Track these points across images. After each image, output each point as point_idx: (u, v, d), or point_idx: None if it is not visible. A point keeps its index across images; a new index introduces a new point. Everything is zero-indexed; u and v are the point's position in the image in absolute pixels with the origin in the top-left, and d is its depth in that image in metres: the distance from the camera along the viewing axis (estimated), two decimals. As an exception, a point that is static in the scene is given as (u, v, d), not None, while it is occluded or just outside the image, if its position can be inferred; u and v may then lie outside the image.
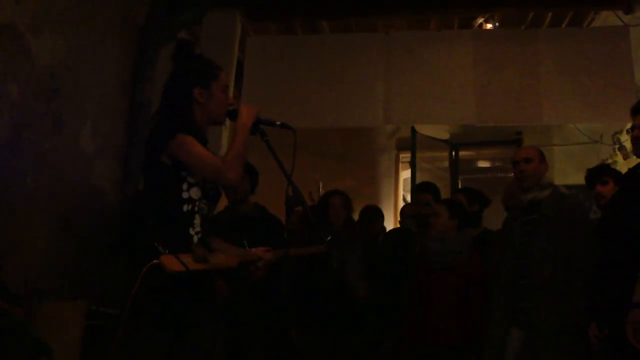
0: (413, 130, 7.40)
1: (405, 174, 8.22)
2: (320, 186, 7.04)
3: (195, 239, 2.52)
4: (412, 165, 7.52)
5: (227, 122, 2.79)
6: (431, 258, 4.10)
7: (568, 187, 4.84)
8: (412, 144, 7.50)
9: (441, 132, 7.95)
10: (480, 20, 6.14)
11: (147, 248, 2.33)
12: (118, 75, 5.01)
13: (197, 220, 2.54)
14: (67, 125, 4.28)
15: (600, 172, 4.19)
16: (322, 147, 7.60)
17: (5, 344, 2.87)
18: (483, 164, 8.73)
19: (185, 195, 2.52)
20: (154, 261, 2.27)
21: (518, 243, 3.73)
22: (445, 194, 7.70)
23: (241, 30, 5.89)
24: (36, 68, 3.91)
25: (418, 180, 7.10)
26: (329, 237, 2.94)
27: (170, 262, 2.27)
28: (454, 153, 7.91)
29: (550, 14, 5.99)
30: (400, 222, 5.25)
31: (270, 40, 6.35)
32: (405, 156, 8.24)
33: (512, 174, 4.15)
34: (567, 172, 7.11)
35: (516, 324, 3.62)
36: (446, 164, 8.04)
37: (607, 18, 6.10)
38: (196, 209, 2.54)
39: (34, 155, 3.92)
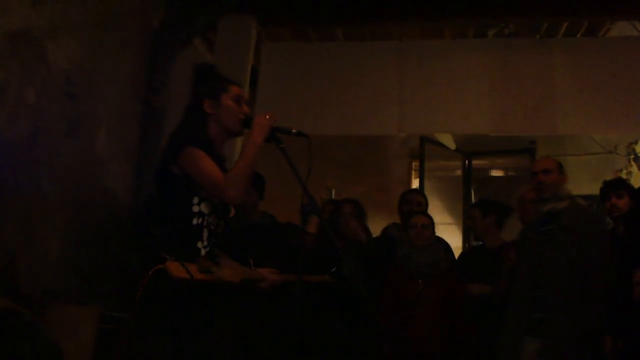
0: (422, 139, 7.40)
1: (418, 183, 8.19)
2: (333, 193, 7.05)
3: (203, 252, 2.53)
4: (421, 173, 7.51)
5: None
6: (414, 268, 4.17)
7: (582, 197, 4.81)
8: (420, 152, 7.50)
9: (452, 141, 7.93)
10: (495, 29, 6.11)
11: (154, 256, 2.35)
12: (132, 79, 5.03)
13: (205, 235, 2.55)
14: (82, 129, 4.30)
15: (617, 185, 4.18)
16: (335, 153, 7.59)
17: (16, 344, 2.88)
18: (496, 173, 8.69)
19: (195, 208, 2.53)
20: (159, 266, 2.29)
21: (534, 253, 3.72)
22: (458, 203, 7.73)
23: (256, 36, 5.89)
24: (52, 72, 3.94)
25: (428, 189, 7.09)
26: (334, 269, 2.99)
27: (176, 268, 2.30)
28: (467, 162, 7.88)
29: (565, 23, 5.96)
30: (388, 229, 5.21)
31: (284, 47, 6.35)
32: (419, 164, 8.22)
33: (526, 184, 4.16)
34: (580, 182, 7.05)
35: (530, 334, 3.61)
36: (459, 173, 8.01)
37: (623, 28, 6.06)
38: (205, 223, 2.55)
39: (48, 159, 3.94)
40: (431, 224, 4.39)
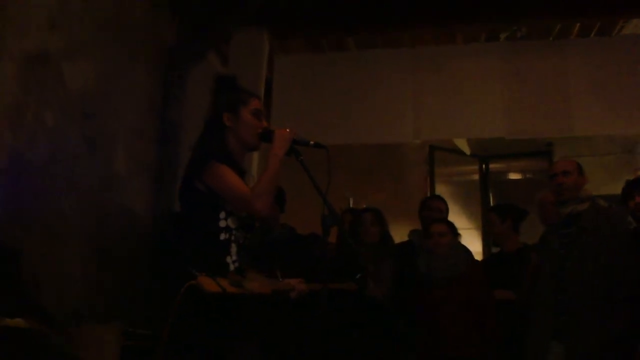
0: (431, 148, 7.41)
1: (437, 189, 8.15)
2: (351, 202, 7.03)
3: (232, 267, 2.53)
4: (431, 182, 7.51)
5: None
6: (434, 275, 4.17)
7: (601, 198, 4.78)
8: (430, 161, 7.51)
9: (466, 146, 7.90)
10: (507, 33, 6.10)
11: (182, 273, 2.35)
12: (148, 96, 5.07)
13: (234, 249, 2.56)
14: (100, 148, 4.33)
15: None
16: (351, 162, 7.57)
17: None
18: (514, 176, 8.64)
19: (222, 223, 2.53)
20: (192, 282, 2.29)
21: (555, 256, 3.68)
22: (476, 207, 7.68)
23: (269, 48, 5.92)
24: (69, 93, 3.97)
25: (446, 195, 7.05)
26: (359, 275, 2.99)
27: (208, 283, 2.30)
28: (483, 166, 7.85)
29: (578, 24, 5.94)
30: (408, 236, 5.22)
31: (298, 58, 6.38)
32: (438, 170, 8.20)
33: (545, 186, 4.13)
34: (599, 182, 7.01)
35: (555, 338, 3.57)
36: (476, 177, 7.97)
37: (637, 26, 6.03)
38: (233, 237, 2.55)
39: (69, 179, 3.97)
40: (449, 231, 4.38)
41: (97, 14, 4.25)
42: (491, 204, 7.51)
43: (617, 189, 4.33)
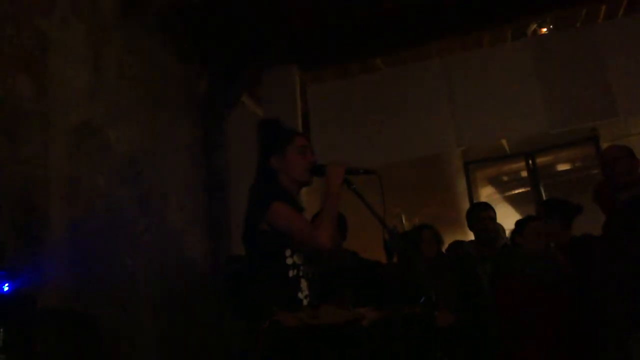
0: (465, 164, 7.36)
1: (486, 192, 8.07)
2: (404, 219, 7.02)
3: (305, 302, 2.56)
4: (470, 196, 7.44)
5: None
6: (529, 279, 4.02)
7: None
8: (467, 180, 7.45)
9: (505, 145, 7.81)
10: (534, 26, 6.06)
11: (260, 310, 2.40)
12: (191, 147, 5.18)
13: (304, 285, 2.59)
14: (154, 205, 4.44)
15: None
16: (397, 180, 7.55)
17: None
18: (563, 167, 8.50)
19: (289, 261, 2.58)
20: (273, 318, 2.37)
21: (623, 244, 3.59)
22: (527, 204, 7.58)
23: (300, 82, 6.00)
24: (117, 157, 4.10)
25: (497, 198, 7.00)
26: (422, 299, 2.98)
27: (287, 318, 2.35)
28: (530, 162, 7.75)
29: (603, 6, 5.87)
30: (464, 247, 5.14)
31: (330, 86, 6.42)
32: (482, 174, 8.14)
33: (596, 172, 4.04)
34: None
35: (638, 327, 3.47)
36: (525, 174, 7.88)
37: (664, -2, 5.95)
38: (301, 273, 2.59)
39: (128, 239, 4.07)
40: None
41: (131, 80, 4.40)
42: (544, 198, 7.40)
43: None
